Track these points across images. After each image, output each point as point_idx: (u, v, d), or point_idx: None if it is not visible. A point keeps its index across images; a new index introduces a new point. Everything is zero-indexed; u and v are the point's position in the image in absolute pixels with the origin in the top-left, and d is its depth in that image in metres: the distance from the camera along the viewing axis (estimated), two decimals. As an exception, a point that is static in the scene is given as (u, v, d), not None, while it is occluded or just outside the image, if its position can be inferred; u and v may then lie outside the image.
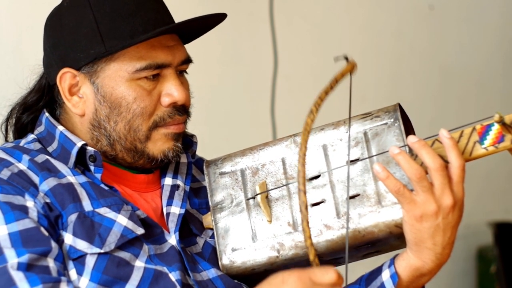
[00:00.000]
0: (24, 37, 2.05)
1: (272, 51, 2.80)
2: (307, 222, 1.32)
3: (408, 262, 1.49)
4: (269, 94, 2.80)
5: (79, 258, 1.44)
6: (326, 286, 1.27)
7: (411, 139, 1.43)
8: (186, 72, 1.62)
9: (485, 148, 1.44)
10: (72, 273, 1.44)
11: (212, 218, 1.58)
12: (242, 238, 1.55)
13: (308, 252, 1.31)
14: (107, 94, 1.54)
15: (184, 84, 1.60)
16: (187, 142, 1.68)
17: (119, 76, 1.54)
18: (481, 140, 1.44)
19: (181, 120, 1.59)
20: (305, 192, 1.33)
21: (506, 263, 3.22)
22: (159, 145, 1.57)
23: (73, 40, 1.55)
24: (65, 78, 1.56)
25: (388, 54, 3.23)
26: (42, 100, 1.63)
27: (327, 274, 1.27)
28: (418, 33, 3.32)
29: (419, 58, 3.33)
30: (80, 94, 1.57)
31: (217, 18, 1.60)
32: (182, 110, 1.58)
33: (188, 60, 1.60)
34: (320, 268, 1.29)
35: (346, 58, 1.51)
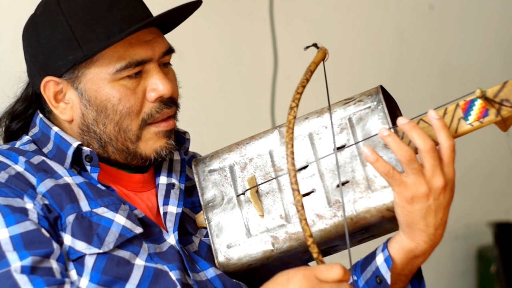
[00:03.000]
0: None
1: (272, 51, 2.80)
2: (306, 221, 1.31)
3: (401, 244, 1.48)
4: (269, 94, 2.81)
5: (79, 259, 1.44)
6: (332, 282, 1.27)
7: (401, 120, 1.42)
8: (170, 64, 1.60)
9: (470, 124, 1.43)
10: (73, 274, 1.43)
11: (205, 217, 1.58)
12: (236, 234, 1.55)
13: (311, 250, 1.30)
14: (91, 98, 1.54)
15: (169, 75, 1.58)
16: (179, 139, 1.67)
17: (101, 79, 1.53)
18: (466, 116, 1.43)
19: (170, 113, 1.57)
20: (299, 191, 1.33)
21: (506, 263, 3.22)
22: (151, 144, 1.56)
23: (50, 49, 1.54)
24: (49, 86, 1.55)
25: (388, 54, 3.23)
26: (31, 108, 1.63)
27: (332, 270, 1.27)
28: (418, 33, 3.32)
29: (419, 58, 3.33)
30: (66, 100, 1.56)
31: (192, 6, 1.58)
32: (170, 102, 1.56)
33: (169, 51, 1.58)
34: (325, 265, 1.29)
35: (317, 46, 1.50)
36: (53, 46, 1.53)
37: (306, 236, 1.31)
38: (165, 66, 1.59)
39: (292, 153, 1.35)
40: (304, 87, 1.41)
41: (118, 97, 1.53)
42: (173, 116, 1.59)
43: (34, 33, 1.57)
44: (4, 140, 1.66)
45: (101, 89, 1.53)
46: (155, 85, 1.54)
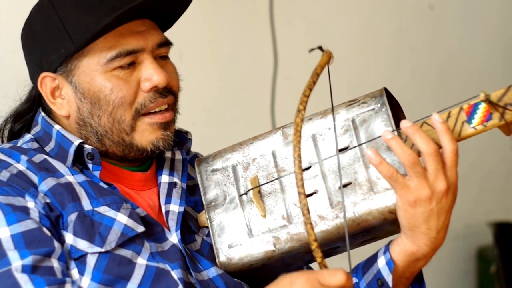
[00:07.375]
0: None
1: (272, 51, 2.80)
2: (311, 225, 1.31)
3: (402, 247, 1.48)
4: (269, 94, 2.81)
5: (80, 258, 1.44)
6: None
7: (404, 123, 1.42)
8: (168, 57, 1.60)
9: (473, 127, 1.42)
10: (74, 272, 1.43)
11: (207, 217, 1.58)
12: (238, 234, 1.54)
13: (315, 254, 1.30)
14: (85, 91, 1.54)
15: (167, 67, 1.58)
16: (181, 138, 1.67)
17: (93, 70, 1.53)
18: (469, 120, 1.43)
19: (165, 102, 1.56)
20: (305, 195, 1.32)
21: (506, 263, 3.22)
22: (146, 135, 1.56)
23: (44, 44, 1.55)
24: (45, 82, 1.56)
25: (388, 54, 3.23)
26: (33, 109, 1.64)
27: (335, 275, 1.26)
28: (418, 33, 3.32)
29: (419, 58, 3.33)
30: (62, 95, 1.57)
31: None
32: (166, 92, 1.56)
33: (165, 43, 1.57)
34: (328, 270, 1.28)
35: (321, 49, 1.50)
36: (46, 41, 1.54)
37: (310, 240, 1.30)
38: (162, 59, 1.58)
39: (299, 156, 1.34)
40: (311, 90, 1.41)
41: (110, 87, 1.52)
42: (171, 108, 1.58)
43: (29, 31, 1.58)
44: (7, 140, 1.66)
45: (93, 81, 1.53)
46: (149, 75, 1.54)
